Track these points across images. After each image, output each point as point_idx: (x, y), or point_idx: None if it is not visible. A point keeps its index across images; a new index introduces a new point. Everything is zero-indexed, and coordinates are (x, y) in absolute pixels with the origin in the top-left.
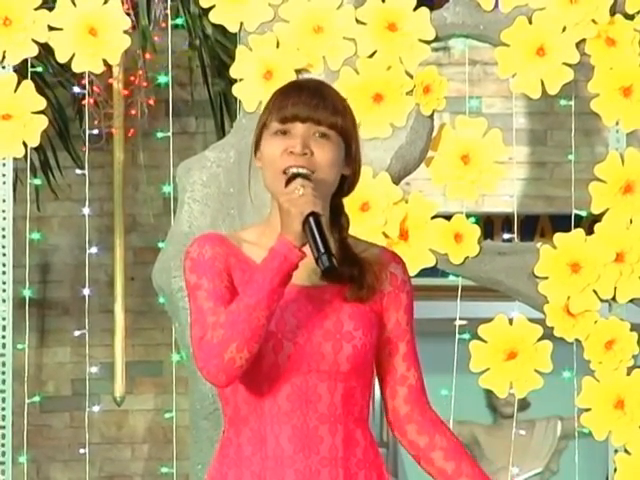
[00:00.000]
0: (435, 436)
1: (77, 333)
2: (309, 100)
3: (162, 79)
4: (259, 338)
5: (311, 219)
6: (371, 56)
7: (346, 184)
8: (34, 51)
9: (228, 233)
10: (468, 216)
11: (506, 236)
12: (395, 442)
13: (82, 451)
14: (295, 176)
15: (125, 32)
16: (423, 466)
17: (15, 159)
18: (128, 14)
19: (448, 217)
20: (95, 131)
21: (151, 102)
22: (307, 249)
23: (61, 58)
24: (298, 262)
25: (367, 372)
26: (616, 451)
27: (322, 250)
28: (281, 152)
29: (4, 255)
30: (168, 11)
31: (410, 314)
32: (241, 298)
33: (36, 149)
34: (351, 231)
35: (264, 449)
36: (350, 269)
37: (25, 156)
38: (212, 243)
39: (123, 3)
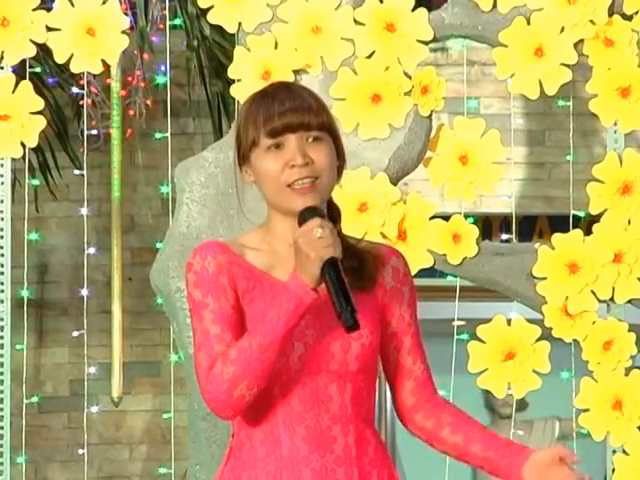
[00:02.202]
0: (441, 415)
1: (75, 333)
2: (293, 105)
3: (160, 79)
4: (268, 375)
5: (331, 271)
6: (369, 57)
7: (339, 174)
8: (32, 51)
9: (227, 239)
10: (466, 217)
11: (504, 236)
12: (393, 442)
13: (80, 451)
14: (309, 213)
15: (123, 32)
16: (437, 448)
17: (13, 160)
18: (126, 14)
19: (446, 218)
20: (93, 132)
21: (149, 103)
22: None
23: (59, 58)
24: (311, 302)
25: (373, 372)
26: (614, 452)
27: (344, 306)
28: (281, 167)
29: (2, 256)
30: (166, 11)
31: (413, 307)
32: (254, 336)
33: (34, 150)
34: (349, 232)
35: (279, 450)
36: (349, 260)
37: (23, 157)
38: (214, 252)
39: (121, 3)
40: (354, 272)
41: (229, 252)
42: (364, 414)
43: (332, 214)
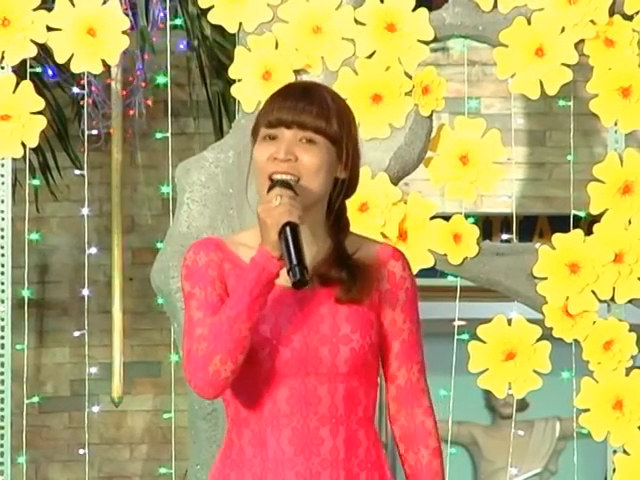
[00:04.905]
0: (409, 451)
1: (76, 334)
2: (294, 104)
3: (161, 79)
4: (243, 349)
5: (287, 229)
6: (370, 57)
7: (344, 187)
8: (33, 51)
9: (226, 237)
10: (467, 216)
11: (505, 237)
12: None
13: (81, 451)
14: (275, 184)
15: (124, 32)
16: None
17: (14, 160)
18: (126, 14)
19: (447, 218)
20: (94, 132)
21: (149, 103)
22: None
23: (60, 58)
24: (277, 272)
25: (370, 371)
26: (615, 451)
27: (294, 262)
28: (267, 158)
29: (3, 256)
30: (167, 11)
31: (409, 311)
32: (223, 310)
33: (35, 150)
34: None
35: (265, 451)
36: (339, 272)
37: (24, 157)
38: (207, 249)
39: (122, 3)
40: (342, 283)
41: (223, 249)
42: (360, 414)
43: (338, 225)
